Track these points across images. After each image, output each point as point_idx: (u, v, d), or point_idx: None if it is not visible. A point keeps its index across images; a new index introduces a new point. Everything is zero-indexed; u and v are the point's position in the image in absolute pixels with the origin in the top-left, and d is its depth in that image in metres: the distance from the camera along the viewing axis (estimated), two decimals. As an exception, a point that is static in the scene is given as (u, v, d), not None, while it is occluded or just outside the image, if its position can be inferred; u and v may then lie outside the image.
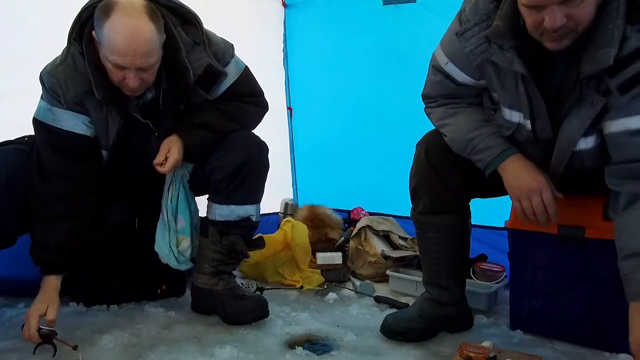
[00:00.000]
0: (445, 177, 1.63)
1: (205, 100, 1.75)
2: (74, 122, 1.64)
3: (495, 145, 1.50)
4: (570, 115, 1.37)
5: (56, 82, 1.56)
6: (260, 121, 1.93)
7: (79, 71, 1.58)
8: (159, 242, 1.81)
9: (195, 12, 1.71)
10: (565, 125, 1.39)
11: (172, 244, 1.81)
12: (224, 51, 1.76)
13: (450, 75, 1.57)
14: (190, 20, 1.69)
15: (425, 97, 1.70)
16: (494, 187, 1.72)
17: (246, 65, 1.86)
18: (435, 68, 1.62)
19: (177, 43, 1.62)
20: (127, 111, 1.67)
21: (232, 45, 1.82)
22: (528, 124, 1.44)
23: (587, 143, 1.40)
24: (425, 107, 1.71)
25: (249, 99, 1.85)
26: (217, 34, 1.80)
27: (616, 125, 1.32)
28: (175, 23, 1.64)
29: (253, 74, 1.89)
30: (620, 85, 1.25)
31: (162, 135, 1.74)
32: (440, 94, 1.63)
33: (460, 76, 1.55)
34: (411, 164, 1.72)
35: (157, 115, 1.72)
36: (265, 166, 1.84)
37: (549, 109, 1.40)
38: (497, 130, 1.53)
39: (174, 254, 1.81)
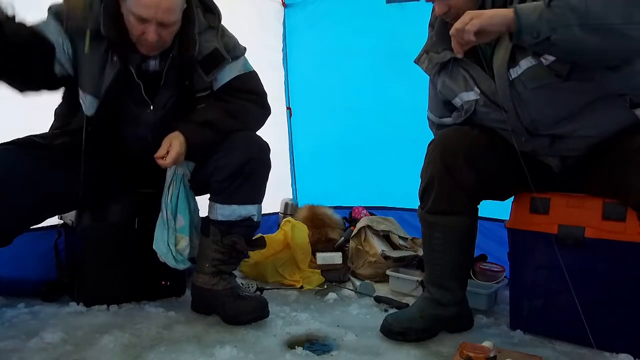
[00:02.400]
0: (457, 176, 1.64)
1: (207, 95, 1.79)
2: (54, 35, 1.61)
3: None
4: (496, 49, 1.56)
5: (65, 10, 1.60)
6: (262, 123, 1.95)
7: (93, 10, 1.62)
8: (158, 241, 1.81)
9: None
10: (494, 59, 1.56)
11: (170, 243, 1.81)
12: (235, 45, 1.84)
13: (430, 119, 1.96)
14: (211, 8, 1.80)
15: None
16: (506, 188, 1.73)
17: (255, 71, 1.92)
18: None
19: (193, 18, 1.71)
20: (126, 66, 1.69)
21: (245, 48, 1.89)
22: (476, 89, 1.64)
23: (520, 68, 1.52)
24: None
25: (250, 97, 1.87)
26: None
27: None
28: (197, 4, 1.74)
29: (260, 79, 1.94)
30: None
31: (157, 110, 1.77)
32: None
33: (432, 116, 1.93)
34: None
35: (157, 87, 1.75)
36: (267, 166, 1.85)
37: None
38: None
39: (172, 253, 1.81)
